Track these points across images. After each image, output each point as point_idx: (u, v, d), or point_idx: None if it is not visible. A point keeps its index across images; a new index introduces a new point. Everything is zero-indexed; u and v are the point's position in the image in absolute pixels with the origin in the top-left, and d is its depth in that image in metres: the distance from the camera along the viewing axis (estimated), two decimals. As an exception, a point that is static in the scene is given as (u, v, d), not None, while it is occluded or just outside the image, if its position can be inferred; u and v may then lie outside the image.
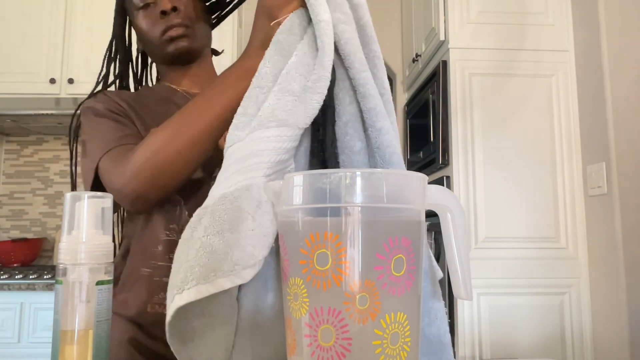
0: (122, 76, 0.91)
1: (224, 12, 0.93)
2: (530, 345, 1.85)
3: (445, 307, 1.94)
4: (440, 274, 0.56)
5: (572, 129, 1.97)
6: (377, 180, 0.40)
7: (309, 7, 0.52)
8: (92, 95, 0.83)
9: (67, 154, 2.67)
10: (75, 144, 0.86)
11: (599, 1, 1.83)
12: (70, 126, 0.87)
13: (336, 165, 0.55)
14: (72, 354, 0.45)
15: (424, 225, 0.44)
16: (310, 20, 0.54)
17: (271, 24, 0.56)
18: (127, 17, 0.90)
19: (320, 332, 0.39)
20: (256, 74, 0.53)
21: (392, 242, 0.39)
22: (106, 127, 0.75)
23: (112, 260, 0.49)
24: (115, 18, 0.90)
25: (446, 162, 2.02)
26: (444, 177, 2.01)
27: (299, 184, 0.41)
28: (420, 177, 0.43)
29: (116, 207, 0.83)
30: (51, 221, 2.62)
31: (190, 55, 0.84)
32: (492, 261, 1.88)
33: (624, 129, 1.75)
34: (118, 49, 0.91)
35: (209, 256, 0.45)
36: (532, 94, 1.99)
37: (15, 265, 2.33)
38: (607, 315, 1.77)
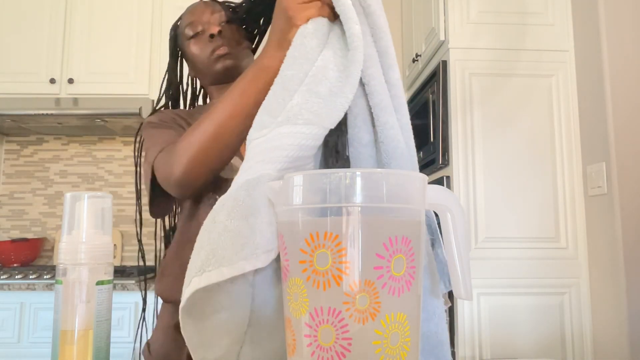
0: (175, 101, 1.04)
1: (259, 38, 1.04)
2: (530, 345, 1.85)
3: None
4: (444, 288, 0.56)
5: (572, 129, 1.97)
6: (377, 180, 0.40)
7: (341, 18, 0.53)
8: (150, 114, 0.96)
9: (66, 154, 2.67)
10: (140, 159, 0.98)
11: (599, 1, 1.83)
12: (135, 145, 0.99)
13: (345, 158, 0.57)
14: (72, 354, 0.45)
15: (424, 225, 0.44)
16: (330, 27, 0.56)
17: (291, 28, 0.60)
18: (179, 53, 1.04)
19: (320, 332, 0.39)
20: (281, 74, 0.55)
21: (392, 242, 0.39)
22: (160, 133, 0.87)
23: (112, 260, 0.49)
24: (170, 56, 1.05)
25: (446, 162, 2.02)
26: (444, 177, 2.01)
27: (299, 184, 0.41)
28: (420, 177, 0.43)
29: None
30: (51, 221, 2.62)
31: (235, 71, 0.93)
32: (492, 261, 1.88)
33: (624, 129, 1.75)
34: (172, 80, 1.04)
35: (233, 239, 0.46)
36: (532, 94, 1.99)
37: (15, 265, 2.33)
38: (607, 315, 1.77)
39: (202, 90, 1.09)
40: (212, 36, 0.93)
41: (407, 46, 2.78)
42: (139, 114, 2.27)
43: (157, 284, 0.90)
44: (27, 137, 2.67)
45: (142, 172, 0.89)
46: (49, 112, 2.26)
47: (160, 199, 0.87)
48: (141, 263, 1.05)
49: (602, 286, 1.81)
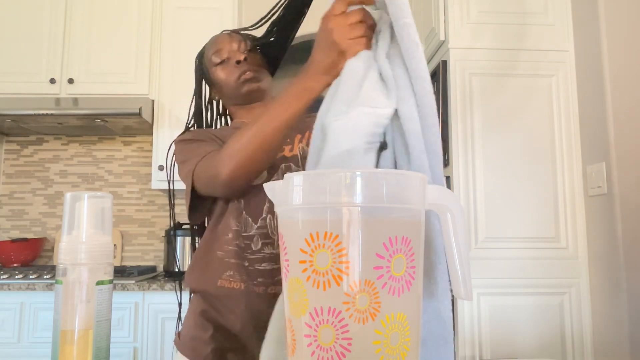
0: (200, 121, 1.14)
1: (278, 63, 1.16)
2: (530, 345, 1.85)
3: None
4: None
5: (572, 129, 1.97)
6: (377, 180, 0.40)
7: (399, 39, 0.62)
8: (181, 134, 1.05)
9: (66, 154, 2.67)
10: (172, 177, 1.08)
11: (599, 1, 1.83)
12: (166, 163, 1.08)
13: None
14: (72, 354, 0.45)
15: (424, 225, 0.44)
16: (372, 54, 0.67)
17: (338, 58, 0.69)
18: (204, 79, 1.13)
19: (320, 332, 0.39)
20: (345, 78, 0.65)
21: (392, 242, 0.39)
22: (197, 146, 0.96)
23: (112, 260, 0.49)
24: (196, 82, 1.14)
25: (446, 162, 2.02)
26: (444, 177, 2.01)
27: (299, 184, 0.41)
28: (420, 177, 0.43)
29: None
30: (51, 221, 2.62)
31: (259, 94, 1.07)
32: (492, 261, 1.88)
33: (624, 129, 1.75)
34: (199, 103, 1.14)
35: None
36: (532, 94, 1.99)
37: (15, 265, 2.33)
38: (607, 315, 1.77)
39: (224, 111, 1.20)
40: (238, 62, 1.04)
41: (407, 46, 2.78)
42: (139, 114, 2.27)
43: (187, 277, 1.00)
44: (27, 137, 2.67)
45: (182, 179, 0.98)
46: (49, 112, 2.26)
47: (198, 206, 0.97)
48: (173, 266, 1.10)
49: (602, 286, 1.81)
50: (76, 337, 0.45)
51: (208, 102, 1.16)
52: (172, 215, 1.12)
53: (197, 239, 1.11)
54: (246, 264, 0.92)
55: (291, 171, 0.98)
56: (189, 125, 1.13)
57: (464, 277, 0.46)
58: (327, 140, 0.62)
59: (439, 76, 2.07)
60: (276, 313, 0.62)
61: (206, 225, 1.06)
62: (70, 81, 2.33)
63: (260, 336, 0.84)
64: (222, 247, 0.95)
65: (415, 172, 0.43)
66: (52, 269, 2.10)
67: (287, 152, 1.00)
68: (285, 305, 0.43)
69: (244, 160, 0.82)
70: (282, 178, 0.92)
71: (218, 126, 1.19)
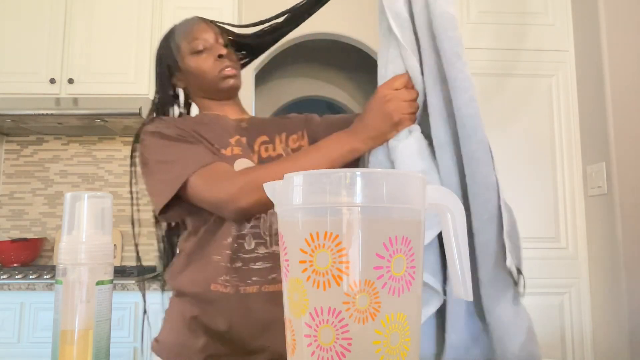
0: (166, 110, 1.08)
1: (250, 60, 1.15)
2: (530, 345, 1.85)
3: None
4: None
5: (572, 129, 1.97)
6: (377, 180, 0.40)
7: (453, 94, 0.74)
8: (151, 121, 0.98)
9: (66, 154, 2.67)
10: (134, 165, 1.01)
11: (599, 1, 1.83)
12: (133, 152, 1.01)
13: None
14: (72, 354, 0.45)
15: (424, 225, 0.44)
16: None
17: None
18: (171, 64, 1.06)
19: (320, 332, 0.39)
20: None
21: (392, 242, 0.39)
22: (186, 148, 0.91)
23: (112, 260, 0.49)
24: (162, 67, 1.07)
25: (446, 162, 2.02)
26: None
27: (299, 184, 0.41)
28: (420, 177, 0.43)
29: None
30: (51, 221, 2.62)
31: (235, 91, 1.05)
32: (492, 261, 1.88)
33: (624, 129, 1.75)
34: (166, 89, 1.08)
35: None
36: (532, 94, 1.99)
37: (15, 265, 2.33)
38: (607, 315, 1.77)
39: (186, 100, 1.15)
40: (220, 56, 1.01)
41: (407, 46, 2.78)
42: (139, 114, 2.27)
43: (175, 279, 0.95)
44: (27, 137, 2.67)
45: (154, 186, 0.93)
46: (49, 112, 2.26)
47: (175, 205, 0.91)
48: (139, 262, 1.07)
49: (602, 286, 1.81)
50: (76, 337, 0.45)
51: (172, 90, 1.09)
52: (134, 222, 1.06)
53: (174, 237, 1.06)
54: (239, 264, 0.89)
55: None
56: (153, 113, 1.06)
57: (464, 277, 0.46)
58: (396, 159, 0.73)
59: (439, 76, 2.07)
60: None
61: (187, 224, 1.00)
62: (70, 81, 2.33)
63: (254, 335, 0.88)
64: (219, 252, 0.91)
65: (415, 172, 0.43)
66: (52, 269, 2.10)
67: (271, 152, 0.98)
68: (285, 305, 0.43)
69: (264, 199, 0.80)
70: None
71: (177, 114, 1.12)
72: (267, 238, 0.91)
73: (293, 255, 0.41)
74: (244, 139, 0.98)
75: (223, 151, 0.94)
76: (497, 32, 2.02)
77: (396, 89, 0.77)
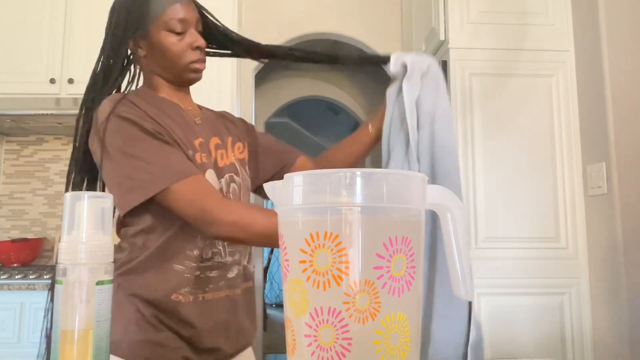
0: (111, 79, 0.98)
1: (215, 54, 1.10)
2: (530, 345, 1.85)
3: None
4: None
5: (572, 129, 1.97)
6: (377, 180, 0.40)
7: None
8: (115, 101, 0.90)
9: (66, 154, 2.67)
10: (78, 140, 0.94)
11: (599, 1, 1.83)
12: (78, 126, 0.95)
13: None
14: (72, 354, 0.45)
15: (424, 225, 0.44)
16: None
17: None
18: (136, 30, 0.97)
19: (320, 332, 0.39)
20: None
21: (392, 242, 0.39)
22: (163, 150, 0.87)
23: (112, 260, 0.49)
24: (124, 29, 0.97)
25: (446, 162, 2.02)
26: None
27: (299, 184, 0.41)
28: (420, 177, 0.43)
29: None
30: (51, 221, 2.62)
31: (193, 84, 1.03)
32: (492, 261, 1.88)
33: (624, 129, 1.75)
34: (119, 55, 0.98)
35: None
36: (532, 94, 1.99)
37: (15, 265, 2.33)
38: (607, 315, 1.77)
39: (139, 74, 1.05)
40: (197, 48, 0.97)
41: (407, 46, 2.78)
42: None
43: (131, 283, 0.91)
44: (27, 137, 2.67)
45: (117, 176, 0.87)
46: (49, 112, 2.26)
47: (140, 206, 0.87)
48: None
49: (602, 286, 1.81)
50: (76, 337, 0.45)
51: (125, 55, 0.98)
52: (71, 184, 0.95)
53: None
54: (198, 273, 0.92)
55: (236, 179, 1.00)
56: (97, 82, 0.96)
57: (464, 277, 0.46)
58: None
59: (439, 76, 2.07)
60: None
61: (146, 222, 0.94)
62: (70, 81, 2.33)
63: (210, 336, 0.92)
64: (184, 262, 0.91)
65: (415, 172, 0.43)
66: (52, 269, 2.10)
67: (226, 160, 0.99)
68: (285, 305, 0.43)
69: (249, 236, 0.84)
70: (228, 185, 0.96)
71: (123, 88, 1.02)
72: (220, 248, 0.95)
73: (293, 255, 0.41)
74: (203, 141, 0.97)
75: (194, 157, 0.92)
76: (497, 32, 2.02)
77: None
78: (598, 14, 1.83)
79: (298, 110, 4.94)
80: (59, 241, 0.47)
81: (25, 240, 2.39)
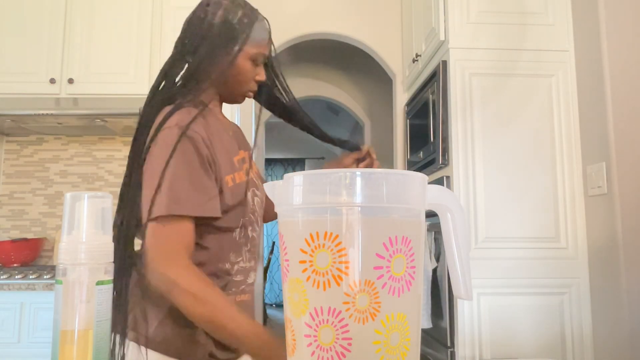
0: (174, 77, 1.02)
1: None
2: (530, 345, 1.85)
3: (446, 307, 1.95)
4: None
5: (572, 129, 1.97)
6: (377, 180, 0.40)
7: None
8: (187, 114, 0.93)
9: (66, 154, 2.67)
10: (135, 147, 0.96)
11: (599, 1, 1.83)
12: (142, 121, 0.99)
13: None
14: (72, 354, 0.45)
15: (424, 225, 0.44)
16: None
17: None
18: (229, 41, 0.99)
19: (320, 332, 0.39)
20: None
21: (392, 242, 0.39)
22: (198, 180, 0.89)
23: (112, 260, 0.49)
24: (223, 33, 0.98)
25: (446, 162, 2.02)
26: (444, 177, 2.01)
27: (299, 184, 0.41)
28: (420, 177, 0.43)
29: None
30: (51, 221, 2.62)
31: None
32: (492, 261, 1.88)
33: (624, 129, 1.75)
34: (203, 62, 1.00)
35: None
36: (532, 94, 1.99)
37: (15, 265, 2.33)
38: (607, 315, 1.77)
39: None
40: (258, 82, 1.05)
41: (407, 46, 2.78)
42: (139, 114, 2.27)
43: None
44: (27, 137, 2.67)
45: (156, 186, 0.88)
46: (49, 112, 2.26)
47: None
48: None
49: (602, 286, 1.81)
50: (76, 337, 0.45)
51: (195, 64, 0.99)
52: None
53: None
54: (229, 277, 0.97)
55: (257, 193, 1.04)
56: (162, 83, 1.00)
57: (464, 277, 0.46)
58: None
59: (439, 76, 2.07)
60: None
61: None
62: (70, 81, 2.33)
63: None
64: (216, 272, 0.96)
65: (415, 172, 0.43)
66: (52, 269, 2.10)
67: (252, 175, 1.04)
68: (285, 305, 0.43)
69: (188, 310, 0.85)
70: (253, 199, 0.99)
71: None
72: (244, 256, 1.00)
73: (293, 255, 0.41)
74: (239, 158, 1.02)
75: (226, 178, 0.94)
76: (497, 32, 2.02)
77: None
78: (598, 14, 1.83)
79: (298, 110, 4.93)
80: (59, 241, 0.47)
81: (25, 240, 2.39)
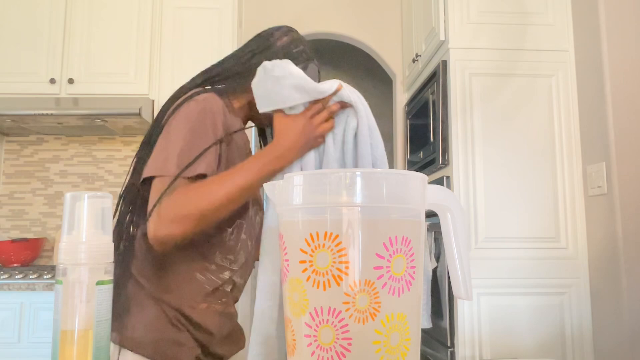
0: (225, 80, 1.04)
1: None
2: (530, 345, 1.85)
3: (446, 307, 1.94)
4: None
5: (572, 129, 1.97)
6: (377, 180, 0.40)
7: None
8: (215, 92, 0.95)
9: (66, 154, 2.67)
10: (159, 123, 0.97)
11: (599, 1, 1.83)
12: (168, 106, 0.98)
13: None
14: (72, 354, 0.45)
15: (424, 225, 0.44)
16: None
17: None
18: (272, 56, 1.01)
19: (320, 332, 0.39)
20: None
21: (392, 242, 0.39)
22: (203, 144, 0.89)
23: (112, 260, 0.49)
24: (264, 51, 1.02)
25: (446, 162, 2.02)
26: (444, 177, 2.01)
27: (299, 183, 0.41)
28: (420, 177, 0.43)
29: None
30: (51, 221, 2.62)
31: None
32: (492, 261, 1.88)
33: (624, 129, 1.75)
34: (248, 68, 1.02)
35: None
36: (532, 94, 1.99)
37: (15, 265, 2.33)
38: (607, 315, 1.77)
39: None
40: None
41: (407, 46, 2.78)
42: (139, 114, 2.27)
43: (162, 292, 0.94)
44: (27, 137, 2.67)
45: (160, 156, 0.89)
46: (49, 112, 2.26)
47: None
48: None
49: (602, 286, 1.81)
50: (76, 337, 0.45)
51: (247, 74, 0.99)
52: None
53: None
54: (217, 286, 0.97)
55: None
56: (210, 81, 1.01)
57: (464, 277, 0.46)
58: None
59: (439, 76, 2.07)
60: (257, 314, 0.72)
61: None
62: (70, 81, 2.33)
63: (226, 344, 1.00)
64: (204, 273, 0.96)
65: (415, 172, 0.43)
66: (52, 269, 2.10)
67: None
68: (285, 305, 0.43)
69: (197, 222, 0.83)
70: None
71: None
72: (236, 269, 1.00)
73: (293, 255, 0.41)
74: None
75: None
76: (497, 32, 2.02)
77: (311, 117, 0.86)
78: (598, 13, 1.83)
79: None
80: (59, 241, 0.47)
81: (25, 240, 2.39)
